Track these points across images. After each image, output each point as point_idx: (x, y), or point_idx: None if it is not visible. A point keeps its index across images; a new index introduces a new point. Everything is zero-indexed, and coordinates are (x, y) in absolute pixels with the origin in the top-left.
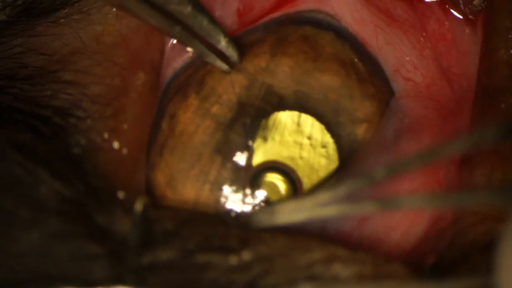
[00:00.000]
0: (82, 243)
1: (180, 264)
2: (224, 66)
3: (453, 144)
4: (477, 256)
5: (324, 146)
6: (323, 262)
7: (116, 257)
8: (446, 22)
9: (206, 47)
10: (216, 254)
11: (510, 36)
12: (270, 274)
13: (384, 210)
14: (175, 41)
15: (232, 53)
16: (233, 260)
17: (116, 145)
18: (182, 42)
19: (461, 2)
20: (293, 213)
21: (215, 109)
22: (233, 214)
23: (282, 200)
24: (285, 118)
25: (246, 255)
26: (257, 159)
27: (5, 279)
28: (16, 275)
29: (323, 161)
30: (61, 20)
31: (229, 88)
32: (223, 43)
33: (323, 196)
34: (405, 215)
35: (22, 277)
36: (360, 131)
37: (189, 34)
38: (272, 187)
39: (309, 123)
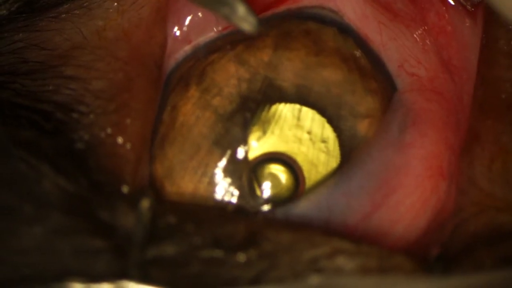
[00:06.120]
0: (86, 238)
1: (184, 259)
2: (250, 28)
3: None
4: (483, 250)
5: (324, 141)
6: (327, 256)
7: (120, 251)
8: (446, 15)
9: (231, 9)
10: (221, 250)
11: (510, 26)
12: (274, 269)
13: None
14: (177, 33)
15: (251, 19)
16: (237, 256)
17: (119, 140)
18: (208, 7)
19: None
20: None
21: (215, 101)
22: (234, 209)
23: (283, 192)
24: (285, 112)
25: (251, 251)
26: (257, 152)
27: (8, 275)
28: (19, 271)
29: (322, 156)
30: (63, 15)
31: (230, 81)
32: (241, 11)
33: None
34: (410, 207)
35: (25, 273)
36: (362, 126)
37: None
38: (274, 179)
39: (310, 117)
